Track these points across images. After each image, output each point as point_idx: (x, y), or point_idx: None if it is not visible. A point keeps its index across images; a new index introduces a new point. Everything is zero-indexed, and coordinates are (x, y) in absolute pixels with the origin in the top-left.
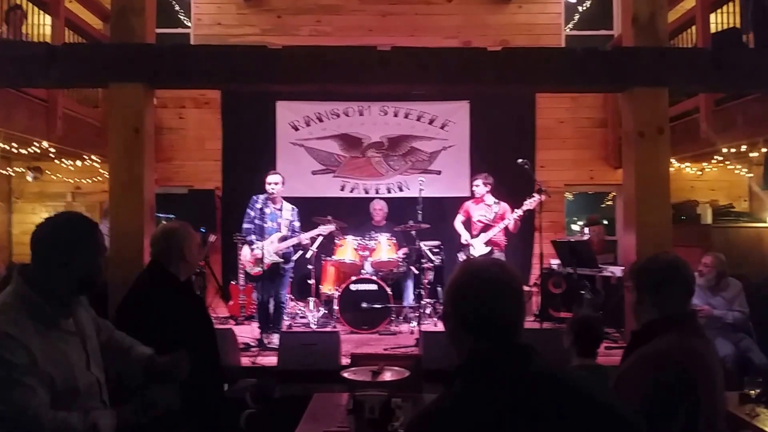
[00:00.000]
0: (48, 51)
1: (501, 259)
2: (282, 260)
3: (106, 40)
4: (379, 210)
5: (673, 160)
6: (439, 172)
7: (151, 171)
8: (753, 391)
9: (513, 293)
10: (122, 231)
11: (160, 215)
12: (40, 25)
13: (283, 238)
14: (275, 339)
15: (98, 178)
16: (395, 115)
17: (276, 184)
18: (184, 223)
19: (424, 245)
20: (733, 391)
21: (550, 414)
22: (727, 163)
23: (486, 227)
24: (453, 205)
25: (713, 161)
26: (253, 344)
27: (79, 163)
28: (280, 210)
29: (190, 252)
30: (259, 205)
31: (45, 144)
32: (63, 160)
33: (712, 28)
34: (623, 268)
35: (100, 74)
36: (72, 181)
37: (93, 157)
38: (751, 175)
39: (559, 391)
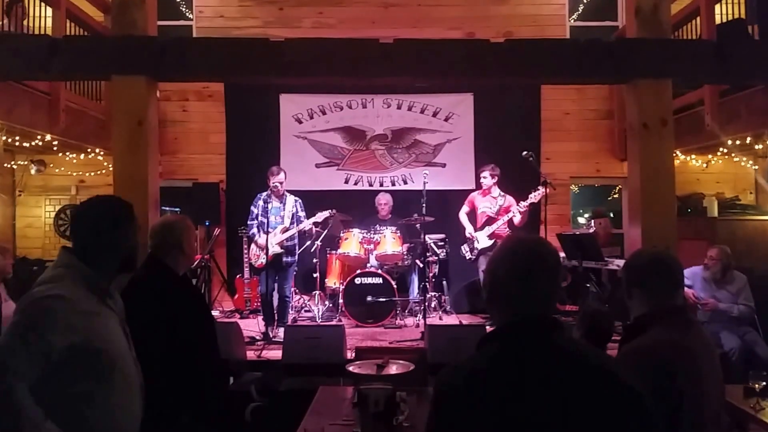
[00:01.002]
0: (49, 44)
1: (542, 239)
2: (284, 252)
3: (107, 33)
4: (384, 205)
5: (678, 153)
6: (443, 165)
7: (154, 164)
8: (757, 385)
9: (545, 270)
10: None
11: (166, 208)
12: (41, 18)
13: (286, 230)
14: (281, 332)
15: (102, 171)
16: (398, 108)
17: (282, 183)
18: (183, 216)
19: (429, 238)
20: (738, 385)
21: (571, 384)
22: (732, 155)
23: (490, 220)
24: (458, 198)
25: (718, 153)
26: (258, 338)
27: (82, 156)
28: (283, 203)
29: (189, 245)
30: (261, 202)
31: (48, 137)
32: (66, 153)
33: (717, 20)
34: None
35: (102, 67)
36: (76, 174)
37: (97, 150)
38: (757, 167)
39: (580, 363)
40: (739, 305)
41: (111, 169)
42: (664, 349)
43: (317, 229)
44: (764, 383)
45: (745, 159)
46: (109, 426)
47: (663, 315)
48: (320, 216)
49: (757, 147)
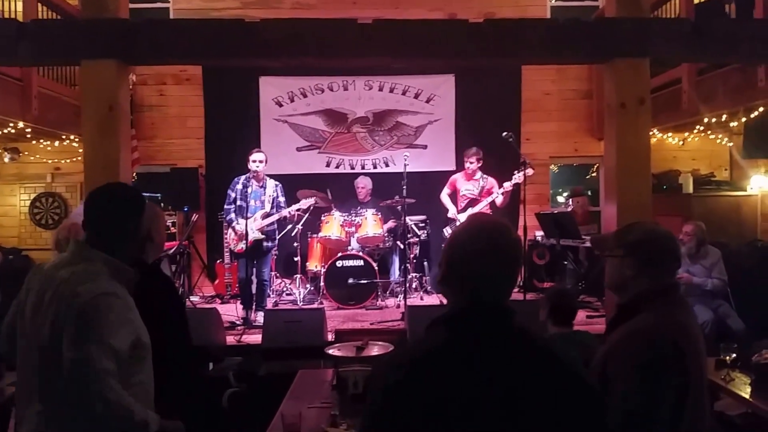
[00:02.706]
0: (17, 28)
1: (506, 223)
2: (264, 237)
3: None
4: (362, 188)
5: (655, 131)
6: (425, 147)
7: (127, 150)
8: (728, 357)
9: (507, 255)
10: None
11: (145, 194)
12: (11, 1)
13: (267, 215)
14: (260, 317)
15: (78, 158)
16: (380, 90)
17: (261, 162)
18: (151, 203)
19: (410, 220)
20: (711, 357)
21: (522, 372)
22: (708, 132)
23: (472, 201)
24: (439, 179)
25: (695, 131)
26: (238, 322)
27: (57, 143)
28: (264, 187)
29: (157, 233)
30: (240, 186)
31: (21, 124)
32: (41, 140)
33: None
34: None
35: (71, 51)
36: (51, 162)
37: (72, 136)
38: (732, 144)
39: (535, 352)
40: (713, 279)
41: None
42: (671, 329)
43: (299, 213)
44: (734, 355)
45: (720, 136)
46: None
47: (663, 293)
48: (305, 203)
49: (732, 124)
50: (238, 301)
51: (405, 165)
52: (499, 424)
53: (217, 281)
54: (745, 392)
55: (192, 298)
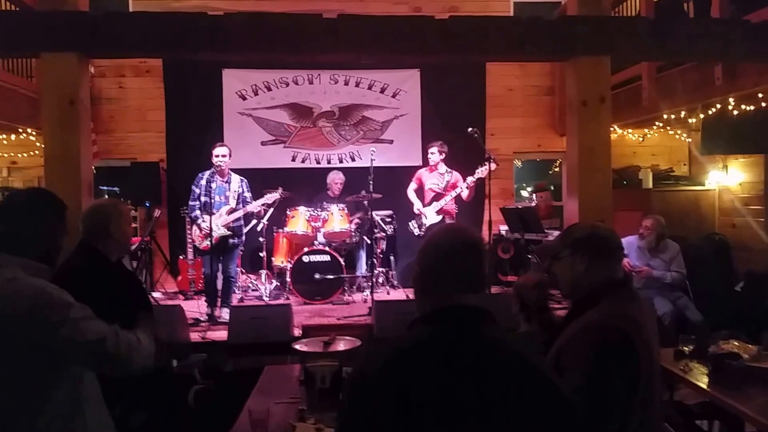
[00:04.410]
0: None
1: (472, 229)
2: (230, 233)
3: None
4: (338, 183)
5: (615, 127)
6: (391, 142)
7: (87, 144)
8: (687, 348)
9: (475, 254)
10: None
11: (104, 188)
12: None
13: (232, 211)
14: (225, 313)
15: (35, 152)
16: (346, 84)
17: (224, 156)
18: (115, 201)
19: (377, 215)
20: (670, 348)
21: (495, 376)
22: (667, 128)
23: (437, 196)
24: (405, 174)
25: (654, 127)
26: (202, 319)
27: (14, 136)
28: (228, 183)
29: (119, 231)
30: (204, 181)
31: None
32: None
33: None
34: None
35: (30, 44)
36: (7, 156)
37: (29, 130)
38: (690, 140)
39: (507, 357)
40: (672, 272)
41: None
42: (621, 322)
43: (264, 207)
44: (693, 346)
45: (679, 132)
46: None
47: (614, 286)
48: (270, 197)
49: (691, 121)
50: (202, 298)
51: (371, 160)
52: (471, 422)
53: (180, 277)
54: (703, 382)
55: (154, 295)
